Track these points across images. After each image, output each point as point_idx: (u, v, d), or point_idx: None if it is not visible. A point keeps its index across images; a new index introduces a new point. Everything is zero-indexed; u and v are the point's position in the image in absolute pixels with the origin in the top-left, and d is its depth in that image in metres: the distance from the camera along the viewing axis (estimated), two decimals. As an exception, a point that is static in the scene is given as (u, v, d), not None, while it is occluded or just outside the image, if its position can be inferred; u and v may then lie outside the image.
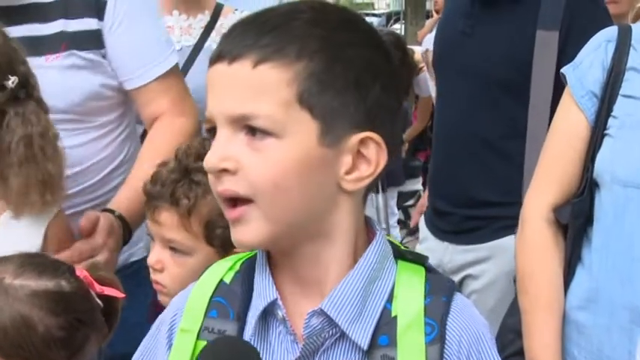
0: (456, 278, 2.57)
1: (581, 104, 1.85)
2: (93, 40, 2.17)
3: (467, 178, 2.54)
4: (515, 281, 1.92)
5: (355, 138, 1.12)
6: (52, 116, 1.94)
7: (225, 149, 1.11)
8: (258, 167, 1.09)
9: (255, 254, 1.24)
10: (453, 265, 2.59)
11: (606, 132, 1.82)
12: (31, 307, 1.48)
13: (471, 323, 1.18)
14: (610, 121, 1.82)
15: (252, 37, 1.10)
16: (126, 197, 2.10)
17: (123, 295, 1.65)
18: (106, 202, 2.16)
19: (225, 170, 1.11)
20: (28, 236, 1.86)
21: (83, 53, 2.16)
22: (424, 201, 2.94)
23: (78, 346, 1.53)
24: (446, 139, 2.64)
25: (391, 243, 1.23)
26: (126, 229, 2.07)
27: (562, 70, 1.93)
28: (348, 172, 1.13)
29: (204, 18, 2.96)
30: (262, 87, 1.08)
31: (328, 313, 1.14)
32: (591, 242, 1.82)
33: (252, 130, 1.09)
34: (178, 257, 1.74)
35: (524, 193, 2.38)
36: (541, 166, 1.94)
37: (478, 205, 2.52)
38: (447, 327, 1.16)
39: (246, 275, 1.22)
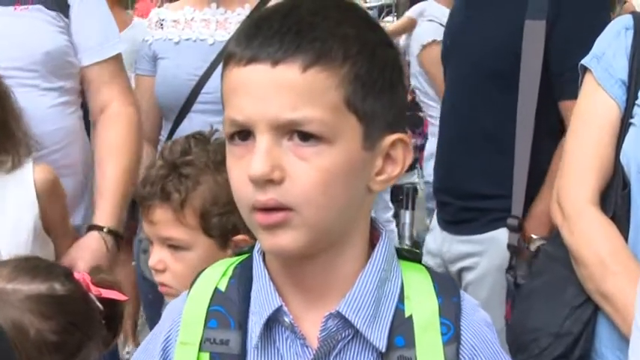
0: (454, 269, 2.59)
1: (612, 93, 1.81)
2: (59, 4, 2.32)
3: (464, 169, 2.54)
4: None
5: (387, 140, 1.12)
6: (17, 73, 2.18)
7: (272, 157, 1.06)
8: (307, 177, 1.06)
9: (246, 258, 1.20)
10: (451, 255, 2.60)
11: (631, 120, 1.77)
12: (23, 312, 1.49)
13: (480, 323, 1.19)
14: (635, 109, 1.77)
15: (293, 39, 1.06)
16: (105, 211, 2.23)
17: (125, 298, 1.65)
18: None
19: (270, 180, 1.06)
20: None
21: (51, 12, 2.30)
22: None
23: (72, 351, 1.55)
24: (447, 130, 2.66)
25: None
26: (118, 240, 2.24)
27: (582, 62, 1.88)
28: (377, 174, 1.13)
29: (243, 12, 2.80)
30: (312, 91, 1.06)
31: (345, 315, 1.12)
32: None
33: (303, 136, 1.06)
34: (178, 253, 1.72)
35: (514, 184, 2.39)
36: (573, 156, 1.86)
37: (472, 198, 2.53)
38: (461, 327, 1.16)
39: (241, 282, 1.18)
